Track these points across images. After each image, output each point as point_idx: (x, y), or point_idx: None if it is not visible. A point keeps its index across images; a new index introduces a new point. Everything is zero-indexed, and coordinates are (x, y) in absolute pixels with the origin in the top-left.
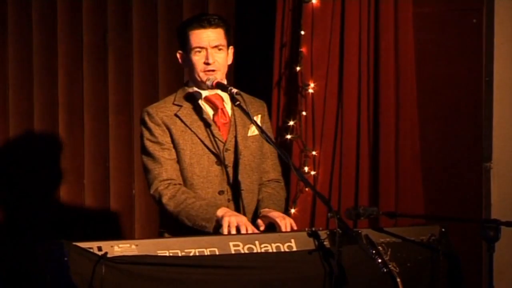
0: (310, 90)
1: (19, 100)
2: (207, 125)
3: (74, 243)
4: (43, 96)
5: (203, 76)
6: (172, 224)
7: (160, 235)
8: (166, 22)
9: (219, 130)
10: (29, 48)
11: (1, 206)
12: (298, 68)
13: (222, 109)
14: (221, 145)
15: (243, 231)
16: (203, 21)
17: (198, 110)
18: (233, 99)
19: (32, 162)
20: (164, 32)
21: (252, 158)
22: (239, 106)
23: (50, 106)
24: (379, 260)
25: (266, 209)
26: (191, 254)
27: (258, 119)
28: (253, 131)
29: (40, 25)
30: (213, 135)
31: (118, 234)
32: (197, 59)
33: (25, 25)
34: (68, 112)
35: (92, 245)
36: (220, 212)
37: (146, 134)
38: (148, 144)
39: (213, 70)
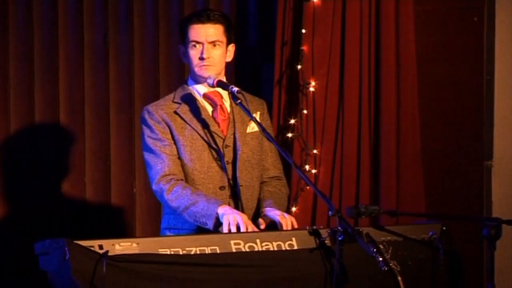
0: (311, 89)
1: (21, 98)
2: (206, 121)
3: (75, 242)
4: (44, 95)
5: (198, 70)
6: (174, 223)
7: (163, 234)
8: (166, 21)
9: (218, 126)
10: (30, 47)
11: (2, 204)
12: (299, 67)
13: (221, 105)
14: (220, 141)
15: (243, 229)
16: (203, 16)
17: (198, 107)
18: (234, 97)
19: (33, 160)
20: (164, 31)
21: (252, 155)
22: (240, 104)
23: (51, 105)
24: (380, 259)
25: (268, 208)
26: (192, 253)
27: (257, 116)
28: (252, 127)
29: (41, 24)
30: (213, 132)
31: (119, 232)
32: (194, 53)
33: (26, 24)
34: (69, 110)
35: (93, 244)
36: (220, 210)
37: (147, 131)
38: (149, 141)
39: (208, 65)
